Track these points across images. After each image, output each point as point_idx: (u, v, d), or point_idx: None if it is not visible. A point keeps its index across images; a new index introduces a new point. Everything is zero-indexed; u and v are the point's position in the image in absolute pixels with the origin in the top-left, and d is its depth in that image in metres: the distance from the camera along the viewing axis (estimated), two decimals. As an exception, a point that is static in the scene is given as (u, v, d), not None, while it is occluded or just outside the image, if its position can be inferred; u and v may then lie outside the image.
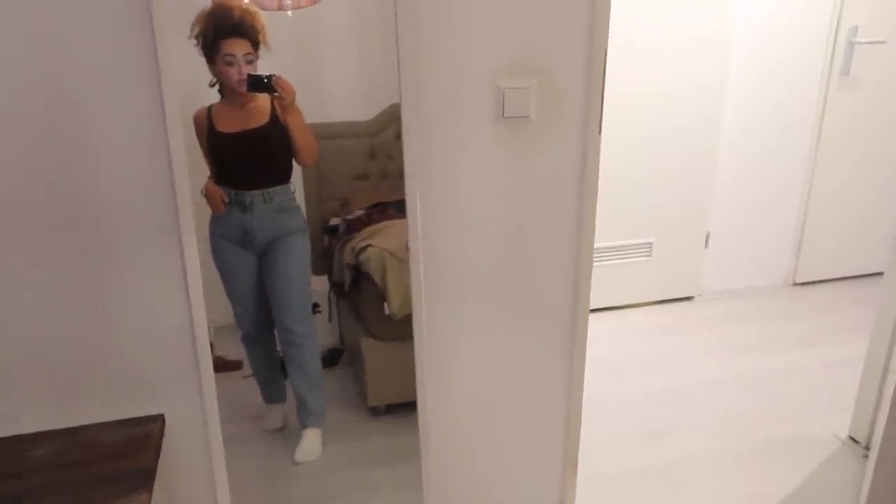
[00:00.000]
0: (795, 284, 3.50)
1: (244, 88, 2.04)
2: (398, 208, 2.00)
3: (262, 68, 2.09)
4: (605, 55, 1.47)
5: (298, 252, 2.24)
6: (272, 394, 2.45)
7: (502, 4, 1.40)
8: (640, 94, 2.97)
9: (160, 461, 1.36)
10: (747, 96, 3.11)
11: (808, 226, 3.39)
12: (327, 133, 3.06)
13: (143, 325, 1.39)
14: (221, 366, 2.79)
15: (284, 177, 2.20)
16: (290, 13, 2.70)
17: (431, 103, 1.43)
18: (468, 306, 1.63)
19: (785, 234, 3.41)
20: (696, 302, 3.36)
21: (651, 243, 3.21)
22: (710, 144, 3.12)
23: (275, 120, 2.13)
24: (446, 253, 1.56)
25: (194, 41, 2.05)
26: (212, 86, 2.14)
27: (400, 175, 1.49)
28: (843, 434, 2.24)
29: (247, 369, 2.48)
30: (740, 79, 3.07)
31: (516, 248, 1.61)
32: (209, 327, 2.83)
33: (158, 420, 1.40)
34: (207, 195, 2.12)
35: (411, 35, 1.38)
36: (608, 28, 1.44)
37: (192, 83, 2.31)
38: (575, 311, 1.69)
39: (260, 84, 2.03)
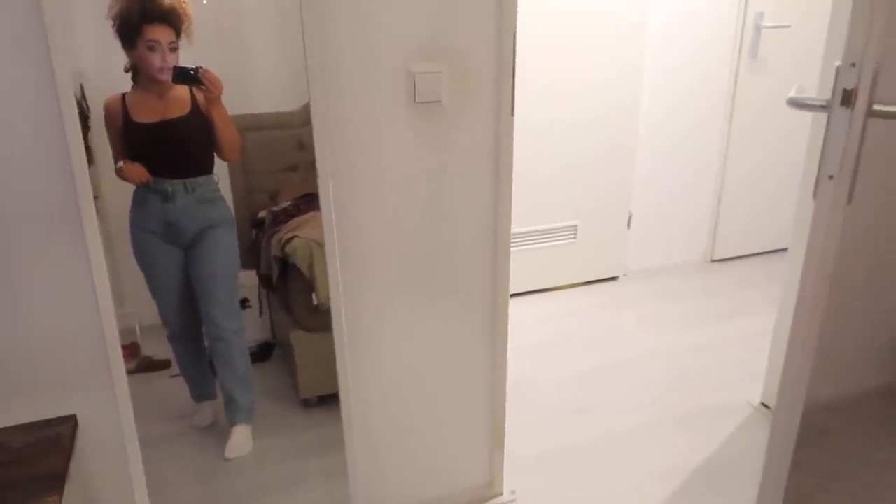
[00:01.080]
0: (713, 261, 3.66)
1: (166, 77, 1.98)
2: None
3: (187, 58, 2.03)
4: (515, 37, 1.49)
5: (225, 244, 2.19)
6: (201, 391, 2.41)
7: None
8: (562, 82, 3.02)
9: (75, 463, 1.32)
10: (663, 81, 3.22)
11: (724, 205, 3.55)
12: (254, 124, 2.99)
13: (48, 323, 1.33)
14: (149, 365, 2.73)
15: (206, 167, 2.14)
16: (205, 0, 2.64)
17: (342, 89, 1.42)
18: (388, 295, 1.62)
19: (702, 213, 3.55)
20: (620, 281, 3.46)
21: (576, 226, 3.28)
22: (630, 128, 3.21)
23: (196, 110, 2.07)
24: (364, 241, 1.55)
25: (110, 22, 1.97)
26: (126, 71, 2.06)
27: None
28: (756, 401, 2.36)
29: (175, 368, 2.43)
30: (656, 64, 3.17)
31: (435, 234, 1.61)
32: (136, 327, 2.75)
33: (70, 421, 1.35)
34: (126, 170, 2.04)
35: (317, 18, 1.35)
36: (516, 10, 1.46)
37: (102, 69, 2.21)
38: (495, 295, 1.72)
39: (187, 77, 1.97)
